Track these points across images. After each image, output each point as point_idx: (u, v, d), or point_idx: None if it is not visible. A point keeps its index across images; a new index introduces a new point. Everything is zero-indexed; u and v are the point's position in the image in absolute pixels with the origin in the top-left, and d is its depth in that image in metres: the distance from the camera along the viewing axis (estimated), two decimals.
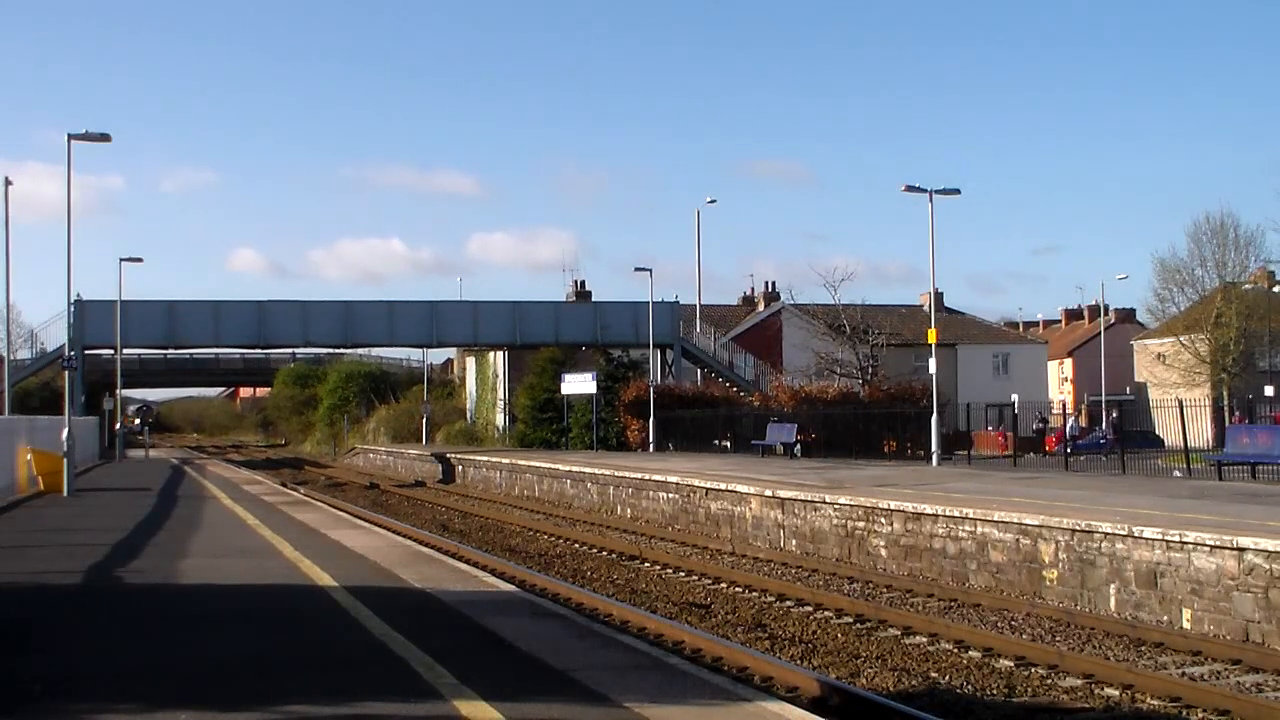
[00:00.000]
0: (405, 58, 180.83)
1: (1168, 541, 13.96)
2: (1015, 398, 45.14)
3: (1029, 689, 11.06)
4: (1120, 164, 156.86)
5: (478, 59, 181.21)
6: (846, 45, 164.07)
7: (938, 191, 33.71)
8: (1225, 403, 49.27)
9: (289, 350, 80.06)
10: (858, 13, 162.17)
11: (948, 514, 17.58)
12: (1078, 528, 15.31)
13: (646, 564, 19.87)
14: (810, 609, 15.24)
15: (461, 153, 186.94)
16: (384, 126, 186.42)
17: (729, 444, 43.10)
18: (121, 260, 47.93)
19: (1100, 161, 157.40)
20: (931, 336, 34.32)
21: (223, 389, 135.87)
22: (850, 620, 14.41)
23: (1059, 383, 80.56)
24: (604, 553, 21.52)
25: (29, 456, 30.22)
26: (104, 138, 28.66)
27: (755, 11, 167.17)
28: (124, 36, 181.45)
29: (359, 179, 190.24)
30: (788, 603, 15.68)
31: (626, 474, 29.20)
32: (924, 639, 13.24)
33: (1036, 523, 16.01)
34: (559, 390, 48.94)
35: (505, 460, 39.74)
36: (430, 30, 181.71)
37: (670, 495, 26.53)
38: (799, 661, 12.11)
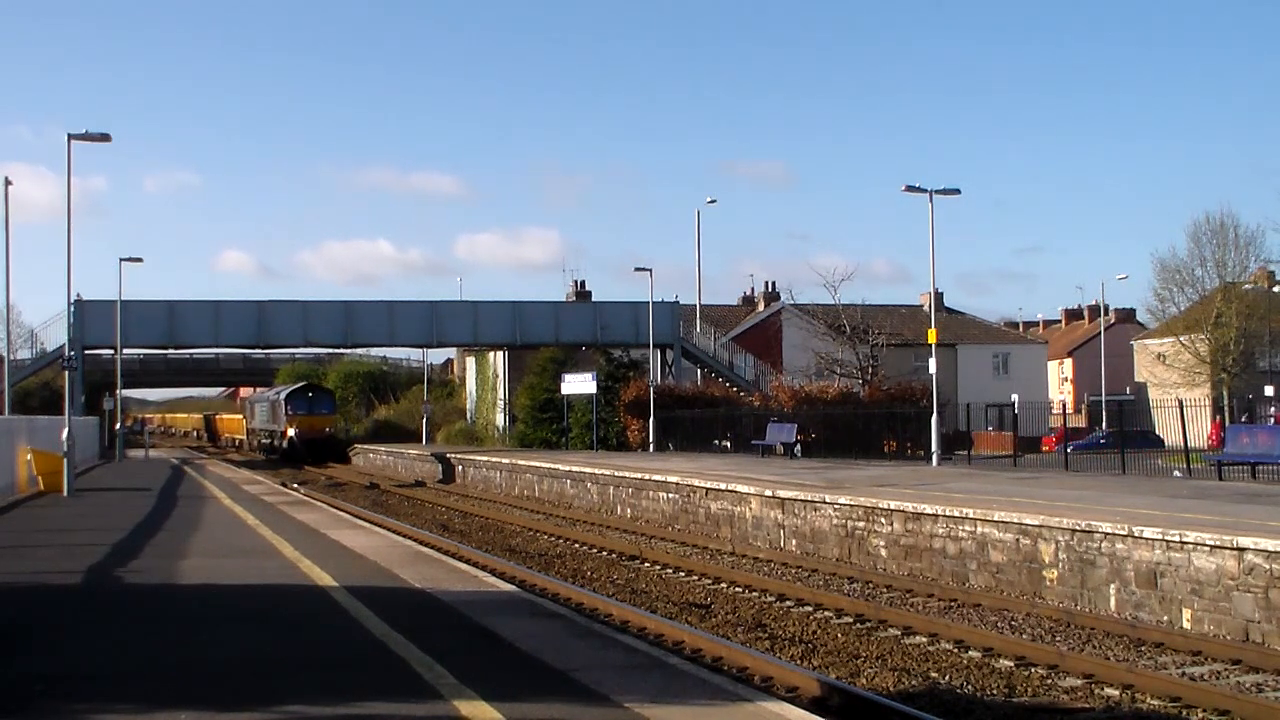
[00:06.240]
0: (385, 58, 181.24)
1: (1168, 541, 13.96)
2: (1015, 398, 45.13)
3: (1029, 689, 11.06)
4: (1111, 163, 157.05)
5: (458, 60, 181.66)
6: (827, 46, 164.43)
7: (938, 192, 33.70)
8: (1225, 403, 49.27)
9: (289, 350, 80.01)
10: (839, 14, 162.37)
11: (948, 514, 17.58)
12: (1078, 528, 15.31)
13: (646, 564, 19.86)
14: (810, 609, 15.23)
15: (443, 153, 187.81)
16: (364, 127, 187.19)
17: (729, 444, 43.09)
18: (121, 260, 47.97)
19: (1089, 161, 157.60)
20: (931, 336, 34.32)
21: (223, 389, 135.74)
22: (850, 620, 14.41)
23: (1059, 383, 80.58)
24: (604, 553, 21.52)
25: (29, 456, 30.22)
26: (104, 138, 28.67)
27: (735, 13, 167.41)
28: (105, 36, 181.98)
29: (341, 180, 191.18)
30: (788, 603, 15.68)
31: (626, 474, 29.19)
32: (924, 639, 13.24)
33: (1036, 523, 16.01)
34: (559, 390, 48.93)
35: (505, 460, 39.73)
36: (410, 31, 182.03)
37: (670, 495, 26.52)
38: (799, 661, 12.11)
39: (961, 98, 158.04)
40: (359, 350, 70.19)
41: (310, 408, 61.49)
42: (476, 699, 7.55)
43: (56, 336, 49.50)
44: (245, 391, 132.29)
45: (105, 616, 11.21)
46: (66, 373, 35.00)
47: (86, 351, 49.76)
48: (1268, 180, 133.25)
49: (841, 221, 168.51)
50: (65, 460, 27.68)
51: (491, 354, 65.15)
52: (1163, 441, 33.94)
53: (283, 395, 62.75)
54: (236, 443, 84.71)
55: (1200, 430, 32.49)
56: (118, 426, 53.15)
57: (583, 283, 66.13)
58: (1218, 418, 38.87)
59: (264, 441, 67.17)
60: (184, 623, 10.89)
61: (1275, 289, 60.60)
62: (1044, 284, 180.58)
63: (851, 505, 19.85)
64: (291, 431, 59.49)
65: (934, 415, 32.44)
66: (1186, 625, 13.53)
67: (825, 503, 20.55)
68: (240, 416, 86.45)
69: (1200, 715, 10.18)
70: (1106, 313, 78.71)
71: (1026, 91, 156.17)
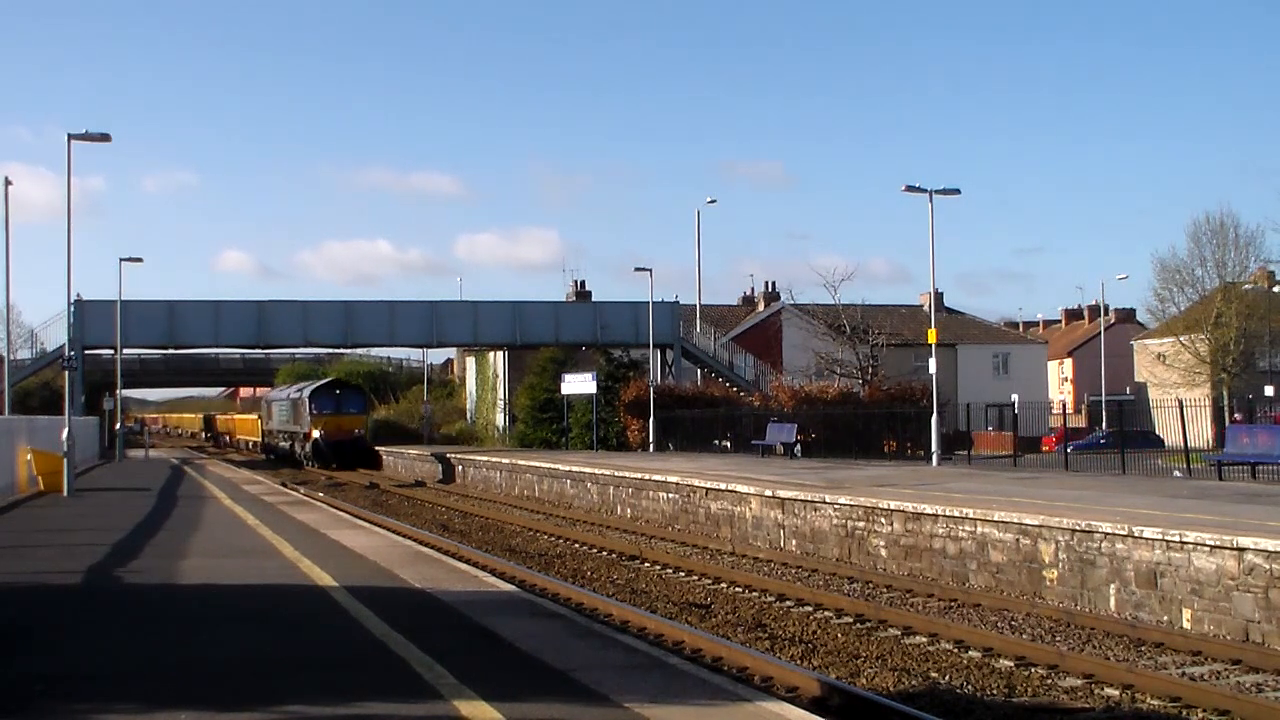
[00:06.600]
0: (385, 58, 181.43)
1: (1168, 541, 13.96)
2: (1015, 398, 45.14)
3: (1029, 689, 11.06)
4: (1111, 163, 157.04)
5: (457, 60, 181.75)
6: (826, 46, 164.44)
7: (938, 192, 33.71)
8: (1225, 403, 49.27)
9: (289, 350, 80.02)
10: (839, 14, 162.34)
11: (948, 514, 17.58)
12: (1078, 528, 15.31)
13: (646, 564, 19.86)
14: (810, 609, 15.23)
15: (442, 153, 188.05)
16: (364, 127, 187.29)
17: (729, 444, 43.09)
18: (121, 260, 48.03)
19: (1089, 161, 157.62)
20: (931, 336, 34.32)
21: (223, 389, 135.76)
22: (850, 620, 14.41)
23: (1059, 383, 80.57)
24: (604, 553, 21.52)
25: (29, 456, 30.23)
26: (104, 138, 28.70)
27: (735, 13, 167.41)
28: (105, 36, 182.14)
29: (341, 180, 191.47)
30: (788, 603, 15.67)
31: (626, 474, 29.19)
32: (924, 639, 13.24)
33: (1036, 523, 16.01)
34: (559, 390, 48.93)
35: (505, 460, 39.73)
36: (410, 31, 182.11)
37: (670, 495, 26.52)
38: (799, 661, 12.10)
39: (961, 98, 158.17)
40: (359, 350, 70.25)
41: (338, 406, 55.09)
42: (476, 699, 7.56)
43: (56, 336, 49.55)
44: (245, 391, 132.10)
45: (105, 616, 11.21)
46: (66, 373, 35.00)
47: (86, 351, 49.76)
48: (1266, 180, 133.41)
49: (841, 221, 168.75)
50: (65, 460, 27.69)
51: (491, 354, 65.14)
52: (1163, 441, 33.95)
53: (306, 393, 56.25)
54: (249, 445, 77.53)
55: (1200, 430, 32.48)
56: (118, 426, 53.13)
57: (583, 283, 66.19)
58: (1236, 417, 38.69)
59: (283, 444, 61.35)
60: (184, 623, 10.90)
61: (1275, 289, 60.60)
62: (1044, 284, 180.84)
63: (851, 505, 19.85)
64: (316, 433, 53.57)
65: (934, 415, 32.45)
66: (1186, 625, 13.53)
67: (825, 503, 20.55)
68: (253, 416, 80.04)
69: (1200, 715, 10.18)
70: (1106, 313, 78.71)
71: (1026, 91, 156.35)
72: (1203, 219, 57.60)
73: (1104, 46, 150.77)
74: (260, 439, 71.30)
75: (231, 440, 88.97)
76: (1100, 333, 73.10)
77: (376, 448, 56.35)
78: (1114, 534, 14.73)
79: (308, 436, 54.85)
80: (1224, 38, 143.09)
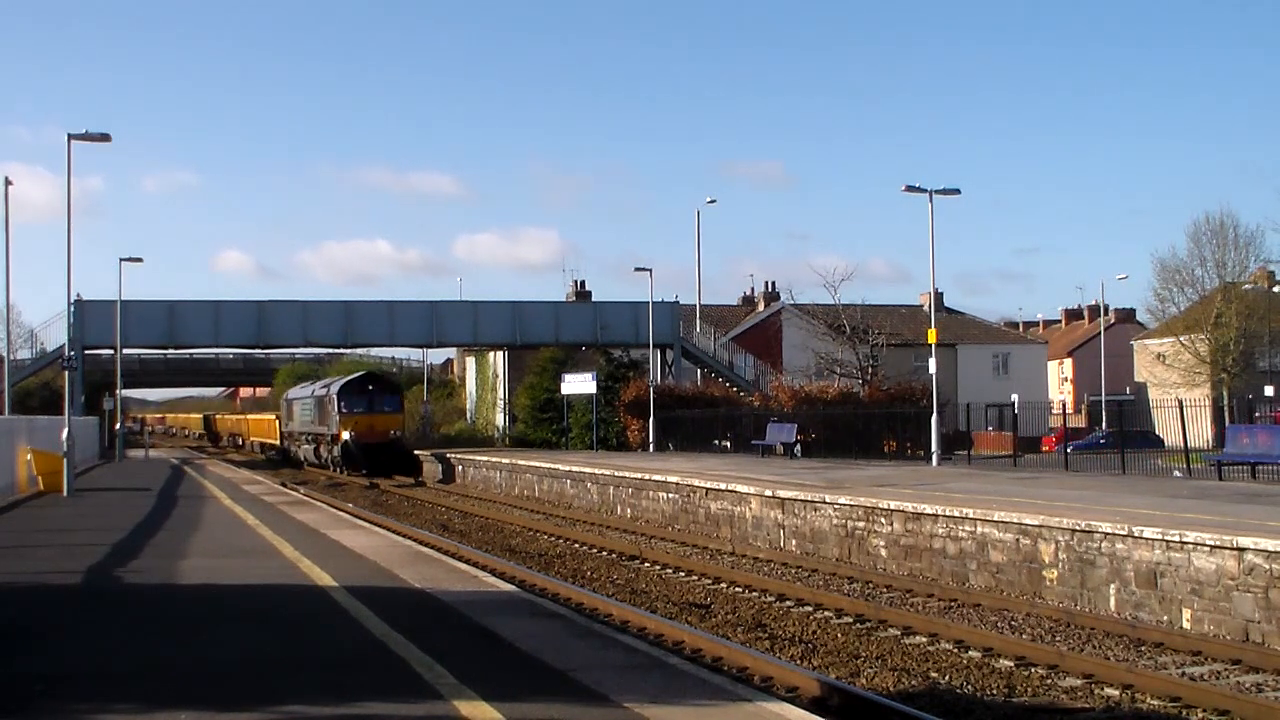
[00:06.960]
0: (383, 57, 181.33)
1: (1168, 541, 13.96)
2: (1015, 398, 45.13)
3: (1029, 689, 11.06)
4: (1111, 163, 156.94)
5: (456, 60, 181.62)
6: (825, 46, 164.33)
7: (938, 192, 33.71)
8: (1225, 403, 49.24)
9: (289, 350, 80.00)
10: (839, 14, 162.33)
11: (948, 514, 17.58)
12: (1078, 528, 15.31)
13: (646, 564, 19.86)
14: (810, 609, 15.23)
15: (441, 153, 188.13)
16: (363, 127, 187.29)
17: (729, 444, 43.09)
18: (121, 260, 48.03)
19: (1089, 161, 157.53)
20: (931, 336, 34.32)
21: (223, 389, 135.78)
22: (850, 620, 14.41)
23: (1059, 383, 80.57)
24: (604, 553, 21.52)
25: (29, 456, 30.22)
26: (104, 138, 28.71)
27: (735, 13, 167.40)
28: (105, 36, 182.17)
29: (340, 179, 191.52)
30: (788, 603, 15.68)
31: (626, 474, 29.19)
32: (924, 639, 13.24)
33: (1036, 523, 16.01)
34: (559, 390, 48.93)
35: (505, 460, 39.73)
36: (408, 30, 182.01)
37: (670, 495, 26.52)
38: (799, 661, 12.11)
39: (961, 98, 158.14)
40: (359, 350, 70.23)
41: (370, 405, 48.70)
42: (476, 699, 7.56)
43: (56, 336, 49.58)
44: (245, 391, 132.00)
45: (105, 616, 11.21)
46: (66, 373, 34.99)
47: (86, 351, 49.75)
48: (1266, 180, 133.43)
49: (841, 221, 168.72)
50: (65, 460, 27.68)
51: (491, 354, 65.15)
52: (1163, 441, 33.94)
53: (334, 389, 50.47)
54: (265, 448, 70.61)
55: (1200, 430, 32.48)
56: (118, 426, 53.11)
57: (582, 283, 66.15)
58: (1256, 417, 38.44)
59: (307, 447, 55.41)
60: (184, 623, 10.90)
61: (1275, 289, 60.60)
62: (1044, 284, 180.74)
63: (851, 505, 19.85)
64: (346, 435, 47.75)
65: (934, 415, 32.44)
66: (1186, 625, 13.54)
67: (825, 503, 20.55)
68: (269, 416, 72.65)
69: (1200, 715, 10.18)
70: (1106, 313, 78.70)
71: (1026, 91, 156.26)
72: (1203, 219, 57.68)
73: (1103, 46, 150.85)
74: (279, 441, 64.83)
75: (244, 443, 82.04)
76: (1100, 333, 73.10)
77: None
78: (1114, 534, 14.73)
79: (336, 438, 49.23)
80: (1224, 38, 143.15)
